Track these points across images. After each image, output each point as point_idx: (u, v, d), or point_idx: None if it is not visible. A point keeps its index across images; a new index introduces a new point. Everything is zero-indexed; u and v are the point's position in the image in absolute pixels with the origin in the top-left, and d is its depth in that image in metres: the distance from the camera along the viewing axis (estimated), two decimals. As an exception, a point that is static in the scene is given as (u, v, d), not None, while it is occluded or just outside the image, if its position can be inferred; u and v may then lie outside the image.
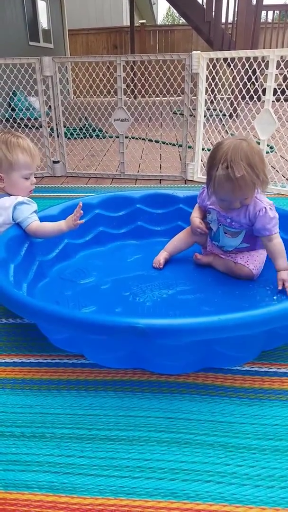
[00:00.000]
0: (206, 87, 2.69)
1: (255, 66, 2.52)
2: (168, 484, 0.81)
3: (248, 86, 2.59)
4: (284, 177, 2.83)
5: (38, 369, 1.12)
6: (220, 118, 2.87)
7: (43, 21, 8.37)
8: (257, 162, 1.29)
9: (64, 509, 0.77)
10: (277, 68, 2.36)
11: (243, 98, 2.71)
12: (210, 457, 0.86)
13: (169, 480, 0.82)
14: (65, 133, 3.16)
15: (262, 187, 1.35)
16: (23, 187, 1.45)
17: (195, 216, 1.57)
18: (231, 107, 2.86)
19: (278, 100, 2.46)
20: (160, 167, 3.30)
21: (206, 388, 1.04)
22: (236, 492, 0.79)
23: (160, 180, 3.01)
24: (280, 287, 1.35)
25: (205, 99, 2.71)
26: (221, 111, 3.11)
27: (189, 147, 2.96)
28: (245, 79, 2.64)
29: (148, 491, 0.80)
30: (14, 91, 5.33)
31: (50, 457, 0.87)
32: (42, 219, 1.55)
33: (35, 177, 1.50)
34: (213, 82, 2.73)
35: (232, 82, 2.81)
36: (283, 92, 2.43)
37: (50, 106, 3.00)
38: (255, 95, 2.59)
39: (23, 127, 3.28)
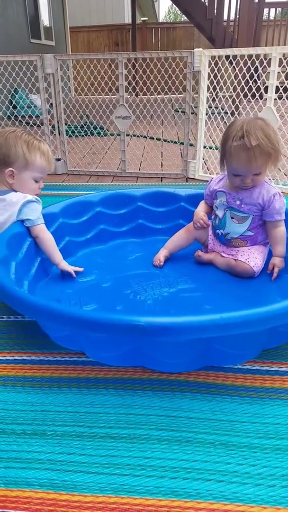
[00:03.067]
0: (208, 85, 2.68)
1: (257, 63, 2.50)
2: (169, 482, 0.81)
3: (250, 83, 2.58)
4: (286, 175, 2.83)
5: (39, 366, 1.12)
6: (222, 116, 2.86)
7: (45, 18, 8.35)
8: (271, 134, 1.33)
9: (65, 507, 0.77)
10: (279, 66, 2.35)
11: (245, 96, 2.70)
12: (211, 455, 0.86)
13: (170, 479, 0.82)
14: (67, 131, 3.16)
15: (276, 159, 1.37)
16: (31, 188, 1.46)
17: (200, 210, 1.59)
18: (233, 105, 2.85)
19: (280, 98, 2.45)
20: (162, 165, 3.29)
21: (207, 386, 1.04)
22: (237, 491, 0.79)
23: (162, 178, 3.01)
24: (269, 271, 1.45)
25: (207, 97, 2.71)
26: (223, 109, 3.10)
27: (191, 145, 2.96)
28: (247, 77, 2.63)
29: (149, 489, 0.80)
30: (15, 88, 5.32)
31: (51, 454, 0.87)
32: (43, 217, 1.55)
33: None
34: (215, 79, 2.72)
35: (234, 80, 2.80)
36: (285, 90, 2.42)
37: (51, 104, 2.99)
38: (257, 93, 2.58)
39: (24, 125, 3.28)
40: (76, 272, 1.49)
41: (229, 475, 0.82)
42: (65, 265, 1.47)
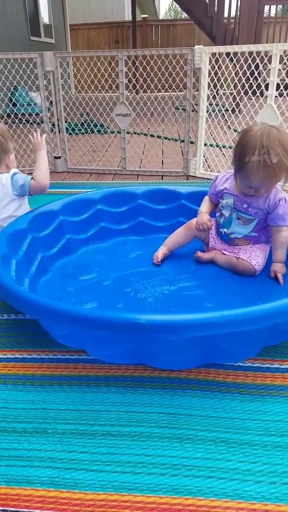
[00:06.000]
0: (208, 82, 2.67)
1: (257, 60, 2.49)
2: (170, 479, 0.81)
3: (251, 81, 2.57)
4: None
5: (40, 364, 1.12)
6: (223, 113, 2.85)
7: (45, 16, 8.32)
8: None
9: (66, 505, 0.77)
10: (280, 63, 2.34)
11: (246, 93, 2.69)
12: (212, 453, 0.86)
13: (171, 476, 0.82)
14: (67, 128, 3.15)
15: None
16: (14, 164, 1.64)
17: (204, 211, 1.58)
18: (234, 102, 2.84)
19: (281, 95, 2.44)
20: (162, 163, 3.29)
21: (208, 384, 1.04)
22: (238, 488, 0.79)
23: (162, 175, 3.00)
24: (271, 277, 1.44)
25: (208, 94, 2.70)
26: (223, 106, 3.09)
27: (191, 142, 2.95)
28: (248, 74, 2.62)
29: (150, 487, 0.80)
30: (15, 86, 5.31)
31: (52, 452, 0.88)
32: (43, 214, 1.56)
33: None
34: (215, 77, 2.71)
35: (234, 77, 2.79)
36: (286, 87, 2.41)
37: (51, 102, 2.98)
38: (258, 90, 2.57)
39: (24, 123, 3.27)
40: (76, 270, 1.50)
41: (230, 472, 0.82)
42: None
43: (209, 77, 2.66)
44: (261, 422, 0.93)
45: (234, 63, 2.71)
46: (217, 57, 2.64)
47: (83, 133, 4.12)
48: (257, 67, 2.56)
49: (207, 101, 2.71)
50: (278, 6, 7.48)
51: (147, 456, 0.86)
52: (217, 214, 1.58)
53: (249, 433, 0.90)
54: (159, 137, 4.27)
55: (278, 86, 2.39)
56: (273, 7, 7.38)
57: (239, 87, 2.67)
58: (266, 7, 7.08)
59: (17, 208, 1.51)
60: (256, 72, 2.58)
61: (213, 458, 0.85)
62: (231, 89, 2.92)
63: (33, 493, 0.80)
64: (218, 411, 0.96)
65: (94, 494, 0.79)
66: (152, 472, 0.83)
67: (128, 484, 0.81)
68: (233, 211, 1.49)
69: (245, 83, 2.65)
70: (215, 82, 2.71)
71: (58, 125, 3.03)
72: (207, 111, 2.73)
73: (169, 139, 4.15)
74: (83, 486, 0.81)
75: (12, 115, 3.33)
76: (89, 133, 4.08)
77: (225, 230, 1.53)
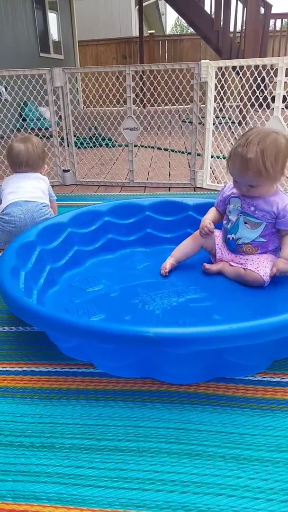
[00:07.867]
0: (214, 95, 2.69)
1: (264, 74, 2.52)
2: (179, 497, 0.79)
3: (257, 93, 2.59)
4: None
5: (47, 378, 1.12)
6: (229, 126, 2.87)
7: (54, 32, 8.52)
8: (271, 154, 1.32)
9: (73, 522, 0.76)
10: (286, 76, 2.36)
11: (252, 105, 2.71)
12: (221, 469, 0.84)
13: (180, 493, 0.80)
14: (75, 142, 3.19)
15: (270, 180, 1.38)
16: None
17: (207, 218, 1.59)
18: (240, 114, 2.86)
19: (287, 107, 2.46)
20: (169, 175, 3.30)
21: (217, 398, 1.03)
22: (249, 506, 0.77)
23: (169, 187, 3.01)
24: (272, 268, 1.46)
25: (214, 107, 2.72)
26: (230, 119, 3.11)
27: (198, 154, 2.96)
28: (254, 87, 2.64)
29: (158, 504, 0.78)
30: (25, 101, 5.41)
31: (59, 468, 0.86)
32: (52, 226, 1.57)
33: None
34: (221, 90, 2.74)
35: (241, 90, 2.82)
36: (292, 99, 2.43)
37: (60, 116, 3.03)
38: (264, 102, 2.58)
39: (33, 137, 3.32)
40: (84, 282, 1.52)
41: (240, 490, 0.80)
42: None
43: (215, 90, 2.69)
44: (272, 437, 0.91)
45: (241, 77, 2.74)
46: (223, 71, 2.67)
47: (91, 147, 4.17)
48: (263, 80, 2.59)
49: (214, 114, 2.73)
50: (284, 20, 7.57)
51: (155, 472, 0.85)
52: (224, 222, 1.58)
53: (260, 449, 0.88)
54: (166, 149, 4.30)
55: (284, 98, 2.40)
56: (278, 21, 7.47)
57: (245, 100, 2.69)
58: (272, 21, 7.17)
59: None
60: (262, 85, 2.60)
61: (223, 475, 0.83)
62: (238, 102, 2.93)
63: (40, 509, 0.79)
64: (227, 426, 0.94)
65: (102, 511, 0.78)
66: (160, 489, 0.81)
67: (137, 501, 0.79)
68: (240, 215, 1.50)
69: (251, 96, 2.67)
70: (222, 95, 2.74)
71: (67, 139, 3.07)
72: (213, 124, 2.75)
73: (176, 151, 4.18)
74: (90, 503, 0.79)
75: (22, 130, 3.38)
76: (97, 146, 4.13)
77: (233, 235, 1.53)
